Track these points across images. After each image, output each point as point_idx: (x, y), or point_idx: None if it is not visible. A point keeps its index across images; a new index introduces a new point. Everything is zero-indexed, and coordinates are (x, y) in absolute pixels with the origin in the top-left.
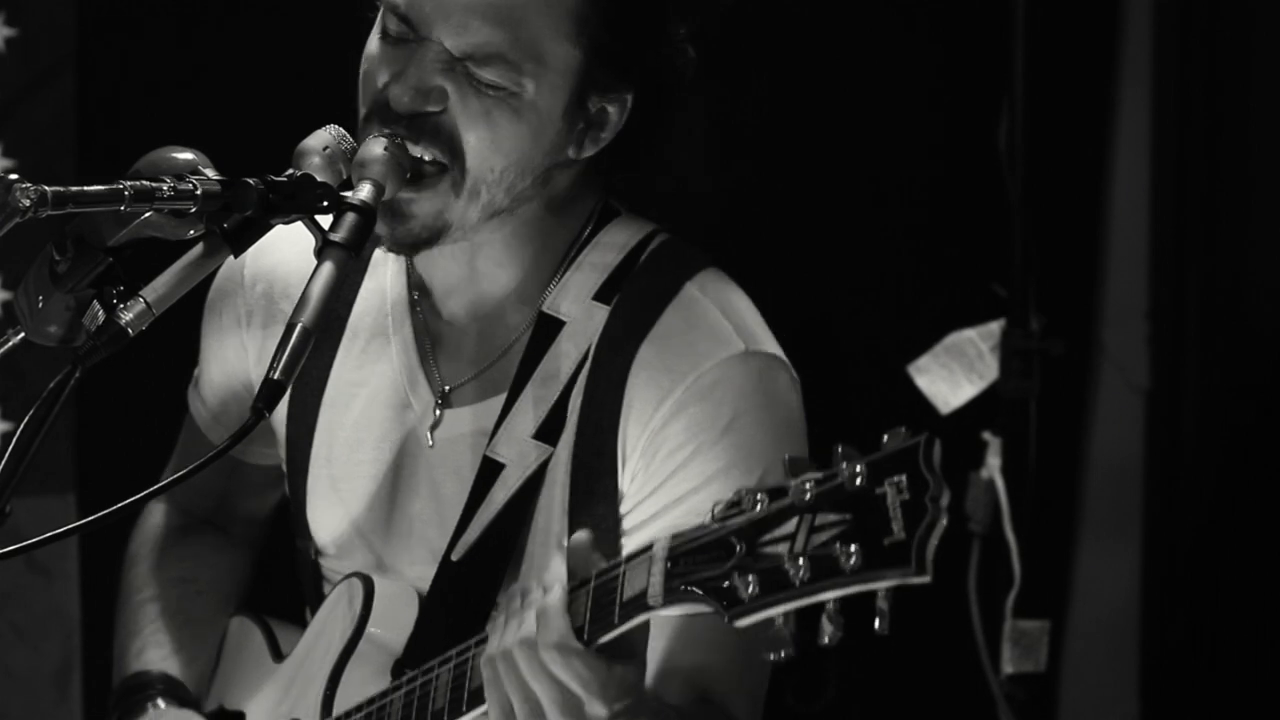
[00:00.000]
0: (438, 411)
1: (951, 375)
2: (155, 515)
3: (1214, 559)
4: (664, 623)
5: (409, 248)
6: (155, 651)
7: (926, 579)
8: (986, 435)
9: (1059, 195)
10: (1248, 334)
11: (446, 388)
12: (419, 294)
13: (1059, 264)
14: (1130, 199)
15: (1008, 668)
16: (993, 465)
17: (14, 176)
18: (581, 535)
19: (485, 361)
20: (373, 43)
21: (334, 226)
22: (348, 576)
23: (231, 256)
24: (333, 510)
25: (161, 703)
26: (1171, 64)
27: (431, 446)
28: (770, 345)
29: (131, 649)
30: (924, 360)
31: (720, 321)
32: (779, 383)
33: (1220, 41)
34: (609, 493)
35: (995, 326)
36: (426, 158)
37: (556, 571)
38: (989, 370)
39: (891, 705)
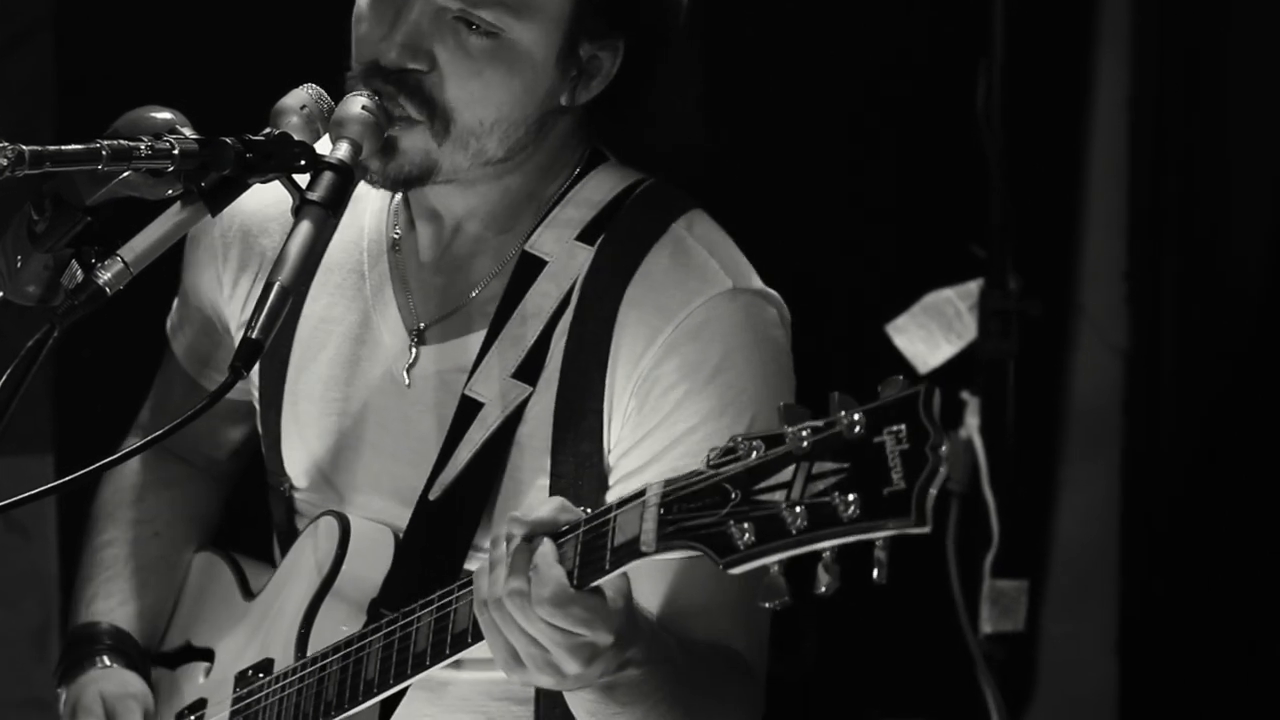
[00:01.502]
0: (413, 350)
1: (930, 335)
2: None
3: (1192, 519)
4: (662, 566)
5: (400, 183)
6: (104, 602)
7: (926, 529)
8: (965, 395)
9: (1037, 156)
10: (1226, 294)
11: (421, 325)
12: (399, 232)
13: (1037, 224)
14: (1108, 160)
15: (986, 627)
16: (971, 425)
17: None
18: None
19: (461, 299)
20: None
21: (311, 185)
22: (323, 514)
23: (209, 215)
24: (307, 446)
25: (107, 659)
26: (1150, 24)
27: (408, 385)
28: (757, 282)
29: (84, 596)
30: (902, 320)
31: (707, 259)
32: (767, 318)
33: (1198, 2)
34: (594, 431)
35: (973, 286)
36: (406, 114)
37: (542, 511)
38: (967, 330)
39: (870, 665)
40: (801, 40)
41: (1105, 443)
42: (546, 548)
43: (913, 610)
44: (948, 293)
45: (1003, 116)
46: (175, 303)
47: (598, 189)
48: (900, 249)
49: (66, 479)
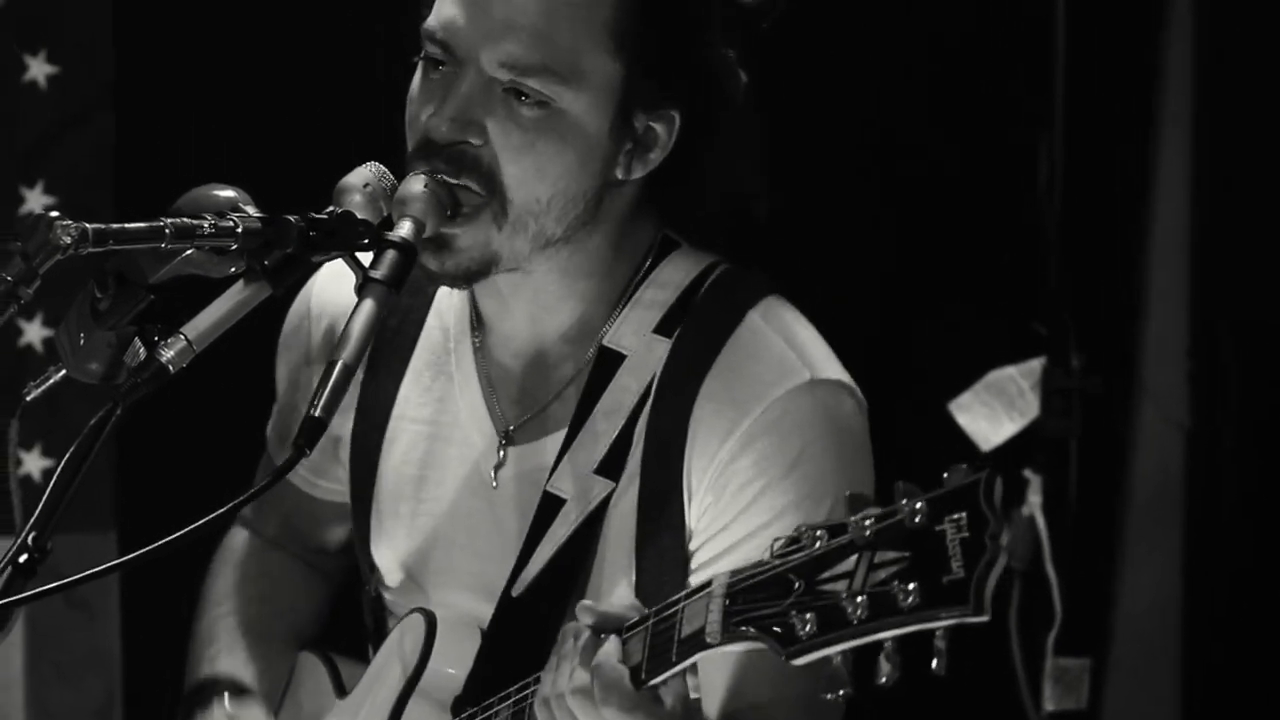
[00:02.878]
0: (501, 451)
1: (993, 413)
2: (238, 537)
3: (1255, 596)
4: (727, 658)
5: (461, 280)
6: (228, 659)
7: (985, 618)
8: (1027, 473)
9: (1098, 232)
10: None
11: (510, 427)
12: (480, 331)
13: (1099, 302)
14: (1170, 235)
15: (1049, 705)
16: (1034, 503)
17: (55, 214)
18: (583, 603)
19: (546, 398)
20: (415, 81)
21: (374, 263)
22: (411, 611)
23: (271, 293)
24: (396, 546)
25: (228, 700)
26: (1212, 99)
27: (495, 486)
28: (835, 371)
29: (205, 655)
30: (965, 397)
31: (785, 351)
32: (845, 410)
33: (1260, 77)
34: (675, 525)
35: (1036, 364)
36: (468, 190)
37: (613, 606)
38: (1030, 408)
39: None
40: (862, 114)
41: (1167, 520)
42: (611, 646)
43: (976, 689)
44: (1010, 371)
45: (1064, 192)
46: (274, 408)
47: (671, 276)
48: (962, 326)
49: (129, 556)
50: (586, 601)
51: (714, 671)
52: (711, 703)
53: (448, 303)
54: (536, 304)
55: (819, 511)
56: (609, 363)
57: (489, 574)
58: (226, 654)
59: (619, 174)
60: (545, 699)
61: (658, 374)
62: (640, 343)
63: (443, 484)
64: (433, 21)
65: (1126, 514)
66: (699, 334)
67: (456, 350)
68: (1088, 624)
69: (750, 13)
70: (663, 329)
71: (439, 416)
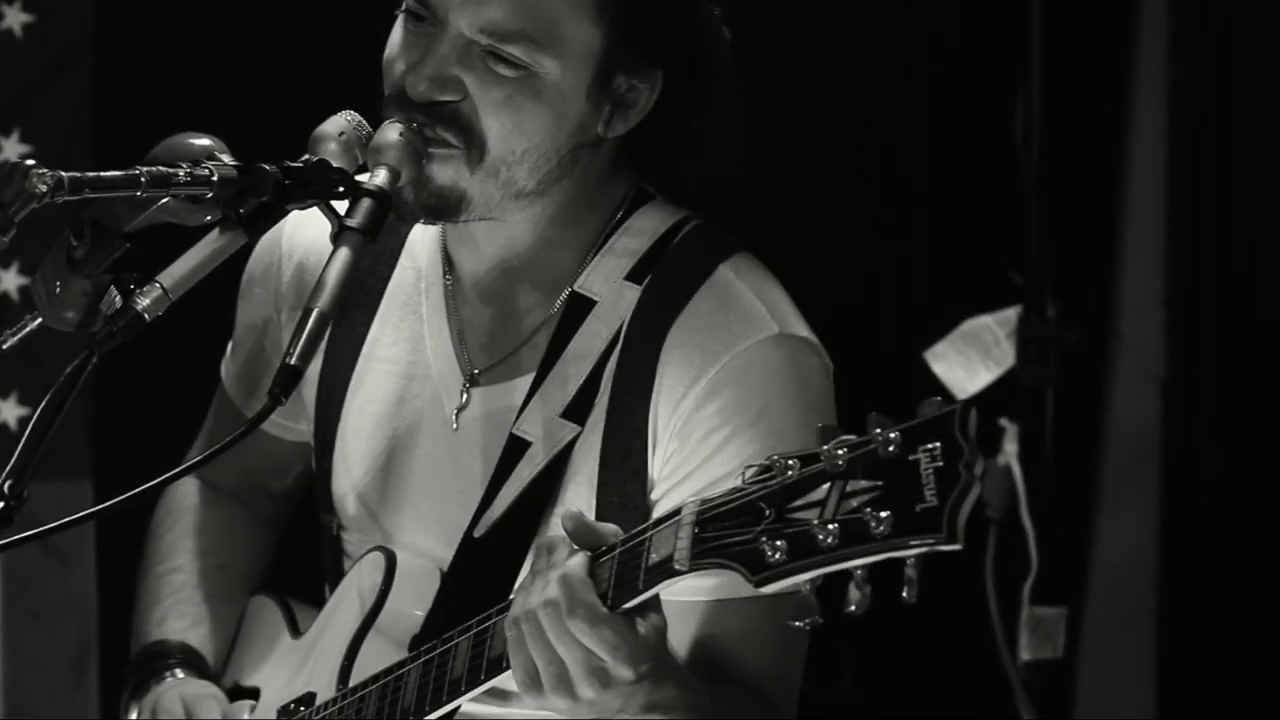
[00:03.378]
0: (465, 394)
1: (968, 361)
2: (183, 486)
3: (1231, 546)
4: (694, 608)
5: (430, 214)
6: (176, 622)
7: (958, 546)
8: (1003, 422)
9: (1075, 183)
10: (1264, 322)
11: (476, 370)
12: (451, 275)
13: (1075, 252)
14: (1146, 187)
15: (1025, 655)
16: (1010, 452)
17: (31, 162)
18: (572, 511)
19: (515, 343)
20: (395, 30)
21: (350, 211)
22: (371, 549)
23: (247, 241)
24: (357, 485)
25: (180, 672)
26: (1187, 51)
27: (456, 429)
28: (803, 329)
29: (152, 617)
30: (940, 346)
31: (754, 303)
32: (810, 365)
33: (1236, 29)
34: (638, 471)
35: (1012, 313)
36: (444, 139)
37: (594, 524)
38: (1006, 357)
39: (908, 692)
40: (838, 68)
41: (1144, 470)
42: (579, 559)
43: (951, 637)
44: (986, 320)
45: (1041, 144)
46: (230, 343)
47: (645, 227)
48: (938, 276)
49: (105, 504)
50: (573, 510)
51: (675, 622)
52: (681, 650)
53: (420, 246)
54: (508, 250)
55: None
56: (579, 308)
57: (449, 515)
58: (175, 617)
59: (599, 130)
60: (515, 617)
61: (627, 320)
62: (611, 289)
63: (407, 424)
64: None
65: (1103, 464)
66: (669, 282)
67: (428, 293)
68: (1064, 574)
69: None
70: (634, 276)
71: (407, 356)
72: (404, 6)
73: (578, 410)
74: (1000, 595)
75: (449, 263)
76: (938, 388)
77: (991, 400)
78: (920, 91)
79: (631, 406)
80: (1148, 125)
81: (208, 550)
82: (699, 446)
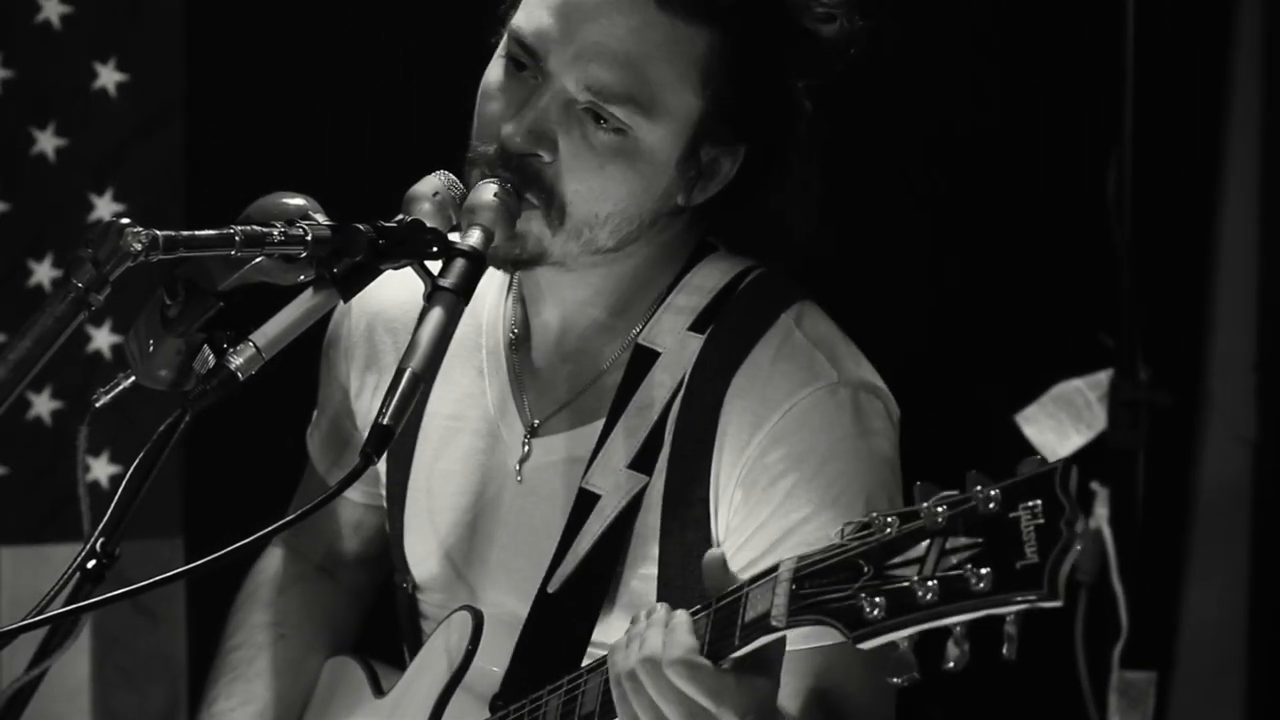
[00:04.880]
0: (525, 446)
1: (1059, 425)
2: (269, 559)
3: None
4: (790, 656)
5: (510, 264)
6: (224, 703)
7: (1059, 603)
8: (1094, 485)
9: (1167, 245)
10: None
11: (535, 422)
12: (516, 330)
13: (1167, 315)
14: (1238, 249)
15: (1115, 719)
16: (1100, 515)
17: (126, 220)
18: (715, 553)
19: (575, 393)
20: (494, 69)
21: (443, 272)
22: (458, 609)
23: (341, 302)
24: (428, 544)
25: None
26: None
27: (520, 481)
28: (865, 375)
29: (208, 698)
30: (1032, 410)
31: (813, 353)
32: (873, 410)
33: None
34: (700, 521)
35: (1103, 377)
36: (527, 200)
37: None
38: (1097, 420)
39: None
40: (934, 128)
41: (1234, 533)
42: (682, 616)
43: (1041, 701)
44: (1077, 383)
45: (1133, 206)
46: (314, 414)
47: (708, 278)
48: (1030, 338)
49: (196, 564)
50: (718, 551)
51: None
52: (781, 699)
53: (483, 299)
54: (572, 300)
55: (855, 507)
56: (643, 359)
57: (519, 568)
58: (224, 697)
59: (679, 201)
60: (618, 675)
61: (689, 370)
62: (674, 340)
63: (472, 479)
64: (524, 24)
65: (1193, 527)
66: (731, 333)
67: (490, 345)
68: (1153, 638)
69: (828, 51)
70: (697, 327)
71: (468, 411)
72: (505, 51)
73: (644, 462)
74: (1090, 659)
75: (516, 317)
76: (1029, 450)
77: (1082, 463)
78: (1013, 152)
79: (693, 455)
80: (1240, 187)
81: (272, 622)
82: (767, 494)
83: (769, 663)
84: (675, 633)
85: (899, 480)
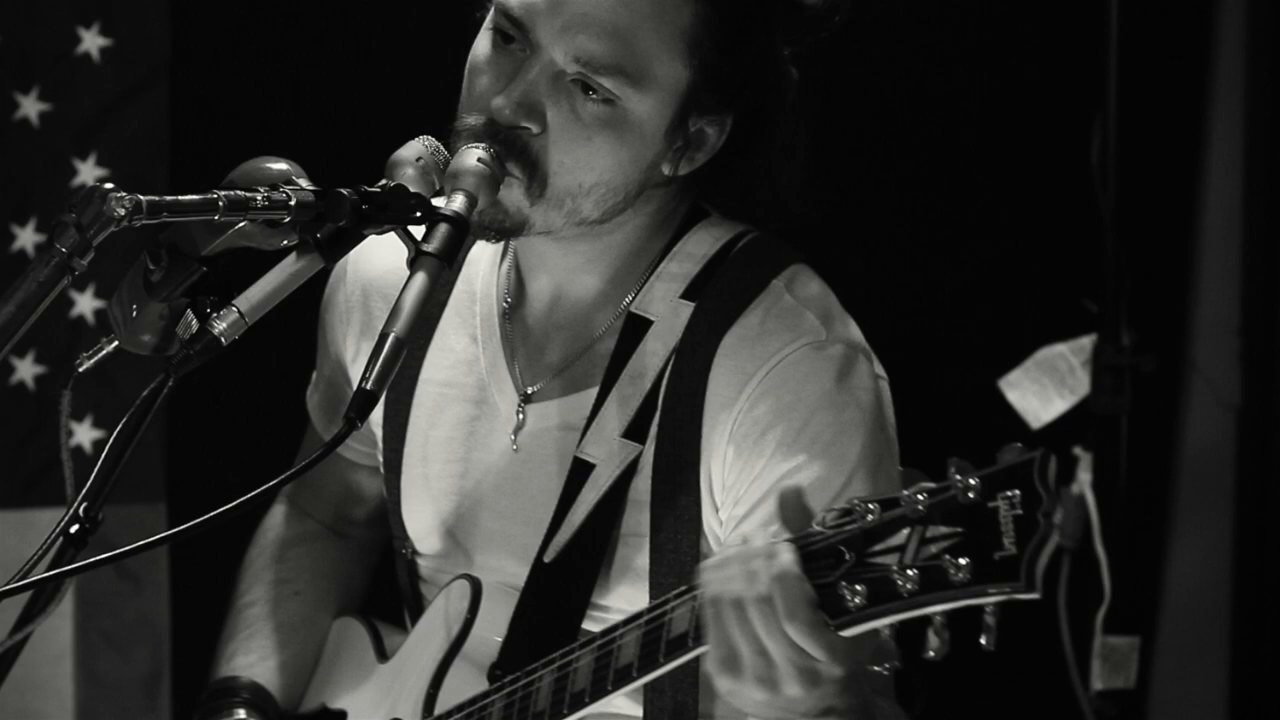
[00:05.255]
0: (520, 415)
1: (1043, 390)
2: (275, 518)
3: None
4: None
5: (494, 233)
6: (244, 658)
7: (1036, 595)
8: (1077, 450)
9: (1151, 211)
10: None
11: (529, 389)
12: (510, 298)
13: (1151, 280)
14: (1222, 215)
15: (1097, 684)
16: (1084, 480)
17: (109, 185)
18: (791, 486)
19: (570, 360)
20: (481, 42)
21: (427, 237)
22: (456, 578)
23: (324, 266)
24: (425, 510)
25: (243, 712)
26: (1264, 79)
27: (515, 450)
28: (853, 335)
29: (224, 653)
30: (1015, 374)
31: (802, 313)
32: (860, 369)
33: None
34: (691, 484)
35: (1087, 341)
36: (509, 172)
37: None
38: (1080, 385)
39: None
40: (916, 97)
41: (1218, 498)
42: (790, 557)
43: (1024, 666)
44: (1061, 348)
45: (1117, 171)
46: (313, 375)
47: (700, 245)
48: (1013, 303)
49: (179, 529)
50: (792, 485)
51: None
52: None
53: (477, 266)
54: (564, 269)
55: (847, 457)
56: (637, 328)
57: (516, 536)
58: (244, 652)
59: (665, 170)
60: (717, 598)
61: (680, 336)
62: (667, 308)
63: (468, 447)
64: None
65: (1176, 493)
66: (721, 298)
67: (483, 313)
68: (1137, 603)
69: (814, 18)
70: (689, 294)
71: (464, 380)
72: (493, 24)
73: (638, 430)
74: (1073, 624)
75: (510, 284)
76: (1011, 415)
77: (1066, 429)
78: (995, 120)
79: (683, 420)
80: (1223, 154)
81: (284, 578)
82: (757, 447)
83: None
84: (793, 576)
85: (891, 436)
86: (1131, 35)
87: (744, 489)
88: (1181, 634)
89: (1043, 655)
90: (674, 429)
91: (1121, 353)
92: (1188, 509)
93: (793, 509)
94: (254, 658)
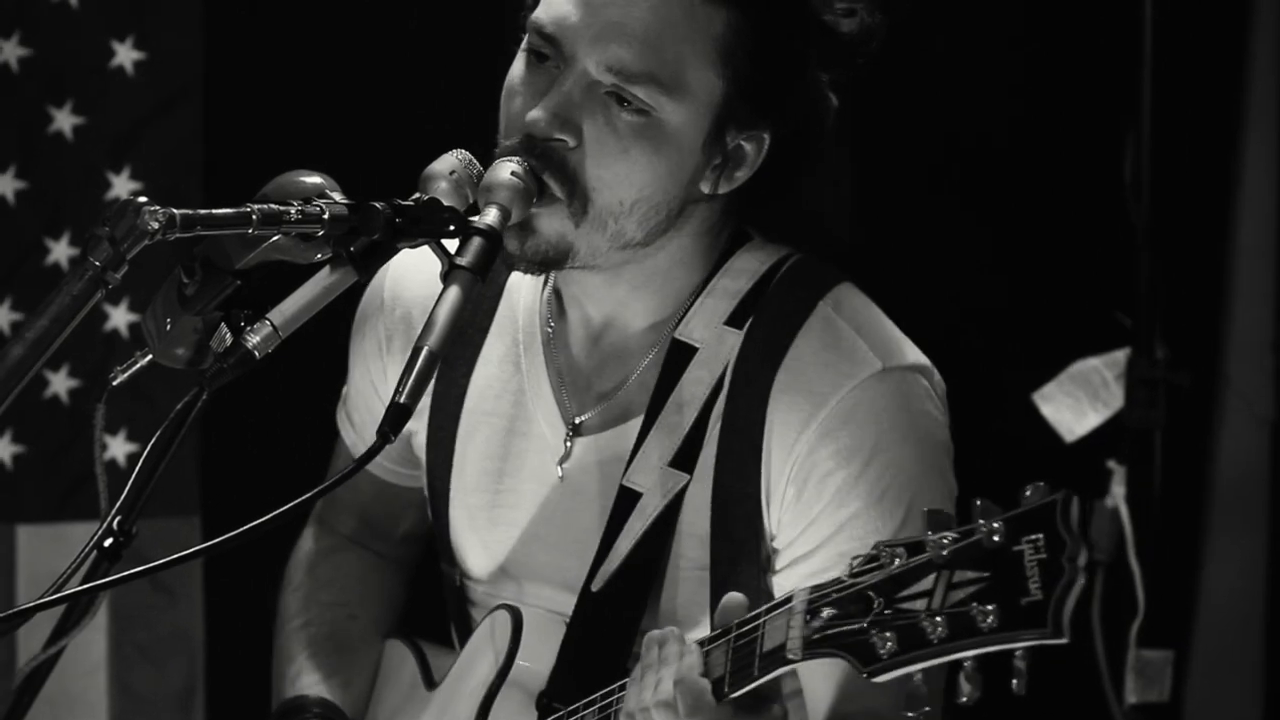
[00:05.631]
0: (568, 443)
1: (1077, 403)
2: (307, 539)
3: None
4: (813, 668)
5: (537, 265)
6: (310, 676)
7: (1064, 640)
8: (1111, 464)
9: (1185, 225)
10: None
11: (577, 419)
12: (551, 322)
13: (1185, 294)
14: (1256, 230)
15: (1132, 697)
16: (1117, 494)
17: (143, 199)
18: (737, 596)
19: (614, 391)
20: (516, 65)
21: (460, 250)
22: (497, 608)
23: (358, 279)
24: (474, 538)
25: None
26: None
27: (561, 478)
28: (909, 355)
29: (288, 675)
30: (1049, 388)
31: (855, 340)
32: (919, 392)
33: None
34: (751, 518)
35: (1120, 355)
36: (549, 189)
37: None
38: (1114, 399)
39: None
40: (950, 111)
41: (1251, 512)
42: (693, 659)
43: (1058, 679)
44: (1095, 362)
45: (1151, 187)
46: (344, 392)
47: (743, 270)
48: (1048, 318)
49: (213, 542)
50: (738, 595)
51: (822, 679)
52: (819, 708)
53: (519, 293)
54: (610, 299)
55: (902, 500)
56: (681, 355)
57: (565, 566)
58: (309, 671)
59: (705, 189)
60: (630, 712)
61: (730, 365)
62: (711, 334)
63: (516, 477)
64: (542, 15)
65: (1210, 506)
66: (770, 325)
67: (526, 341)
68: (1171, 616)
69: (849, 45)
70: (734, 321)
71: (509, 409)
72: (526, 45)
73: (686, 459)
74: (1107, 637)
75: (552, 311)
76: (1046, 429)
77: (1099, 442)
78: (1029, 135)
79: (741, 453)
80: (1258, 168)
81: (337, 601)
82: (818, 490)
83: (773, 688)
84: (691, 680)
85: (950, 457)
86: (1165, 50)
87: (800, 531)
88: (1216, 647)
89: (1077, 668)
90: (732, 463)
91: (1155, 367)
92: (1222, 523)
93: (733, 613)
94: (319, 675)
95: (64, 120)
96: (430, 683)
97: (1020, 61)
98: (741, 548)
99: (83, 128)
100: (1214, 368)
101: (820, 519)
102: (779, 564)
